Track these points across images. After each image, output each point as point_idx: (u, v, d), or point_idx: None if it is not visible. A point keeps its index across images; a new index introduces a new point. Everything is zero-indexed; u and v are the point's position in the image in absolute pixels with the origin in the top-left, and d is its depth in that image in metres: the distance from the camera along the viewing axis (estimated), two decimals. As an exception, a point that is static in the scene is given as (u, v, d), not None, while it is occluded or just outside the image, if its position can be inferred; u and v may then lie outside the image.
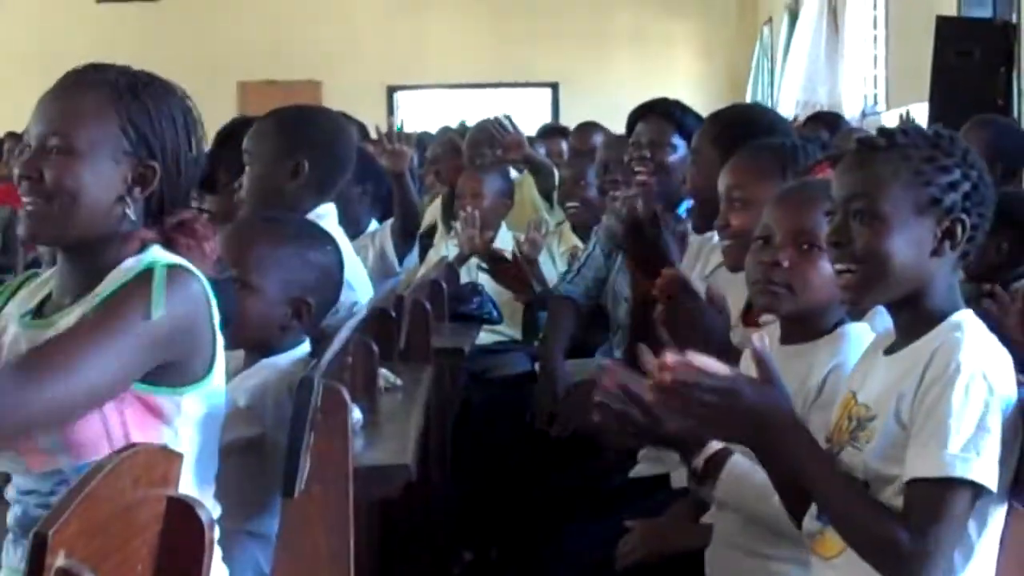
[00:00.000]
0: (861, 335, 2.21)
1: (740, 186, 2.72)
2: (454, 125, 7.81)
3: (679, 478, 2.92)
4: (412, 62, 14.27)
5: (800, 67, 10.57)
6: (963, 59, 7.07)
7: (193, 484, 1.92)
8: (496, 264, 4.75)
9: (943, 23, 7.31)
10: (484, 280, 4.92)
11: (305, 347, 2.57)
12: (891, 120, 7.79)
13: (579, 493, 3.35)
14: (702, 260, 3.27)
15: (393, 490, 2.60)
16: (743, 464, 2.19)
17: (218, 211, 3.57)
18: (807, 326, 2.28)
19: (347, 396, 2.24)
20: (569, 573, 2.91)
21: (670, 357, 1.85)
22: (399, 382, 3.19)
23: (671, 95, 4.01)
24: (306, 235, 2.68)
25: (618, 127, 4.67)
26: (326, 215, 3.24)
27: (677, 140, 3.76)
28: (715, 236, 2.99)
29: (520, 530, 3.54)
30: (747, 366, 2.07)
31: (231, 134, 3.72)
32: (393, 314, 3.50)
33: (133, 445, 1.52)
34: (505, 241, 5.06)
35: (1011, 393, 1.84)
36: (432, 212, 5.89)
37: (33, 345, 1.90)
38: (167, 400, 1.93)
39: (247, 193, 3.30)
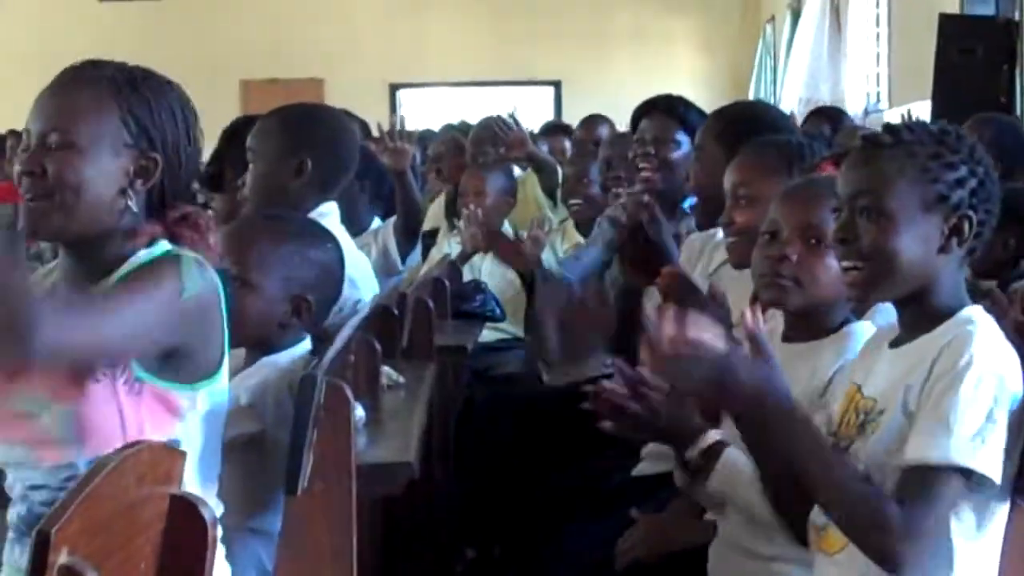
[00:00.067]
0: (867, 334, 2.19)
1: (745, 183, 2.71)
2: (456, 123, 7.80)
3: (682, 476, 2.91)
4: (414, 60, 14.27)
5: (803, 65, 10.56)
6: (966, 57, 7.06)
7: (196, 482, 1.92)
8: (496, 241, 4.73)
9: (946, 21, 7.31)
10: (487, 278, 4.92)
11: (305, 345, 2.56)
12: (894, 118, 7.77)
13: (581, 491, 3.35)
14: (705, 257, 3.26)
15: (396, 488, 2.60)
16: (739, 456, 2.18)
17: (224, 209, 3.57)
18: (812, 323, 2.27)
19: (350, 393, 2.23)
20: (570, 572, 2.90)
21: (667, 327, 1.84)
22: (402, 380, 3.19)
23: (674, 92, 4.01)
24: (306, 233, 2.68)
25: (621, 125, 4.67)
26: (328, 213, 3.24)
27: (681, 136, 3.75)
28: (719, 233, 2.98)
29: (523, 528, 3.53)
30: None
31: (236, 132, 3.71)
32: (396, 312, 3.50)
33: (138, 442, 1.52)
34: (508, 239, 5.05)
35: (1019, 389, 1.83)
36: (435, 211, 5.87)
37: None
38: (183, 396, 1.94)
39: (250, 191, 3.29)
